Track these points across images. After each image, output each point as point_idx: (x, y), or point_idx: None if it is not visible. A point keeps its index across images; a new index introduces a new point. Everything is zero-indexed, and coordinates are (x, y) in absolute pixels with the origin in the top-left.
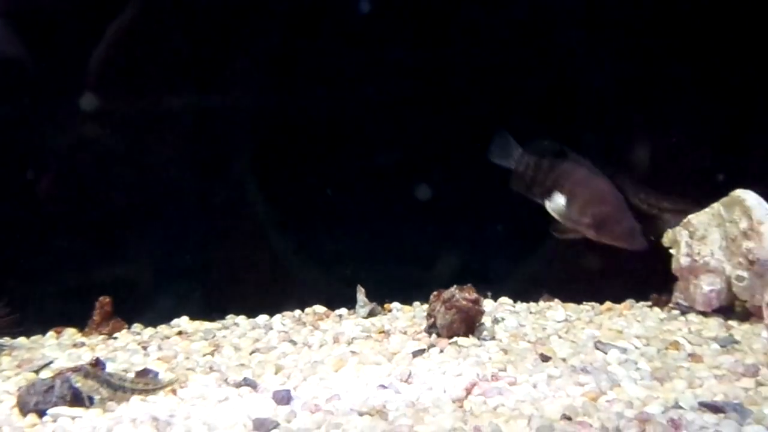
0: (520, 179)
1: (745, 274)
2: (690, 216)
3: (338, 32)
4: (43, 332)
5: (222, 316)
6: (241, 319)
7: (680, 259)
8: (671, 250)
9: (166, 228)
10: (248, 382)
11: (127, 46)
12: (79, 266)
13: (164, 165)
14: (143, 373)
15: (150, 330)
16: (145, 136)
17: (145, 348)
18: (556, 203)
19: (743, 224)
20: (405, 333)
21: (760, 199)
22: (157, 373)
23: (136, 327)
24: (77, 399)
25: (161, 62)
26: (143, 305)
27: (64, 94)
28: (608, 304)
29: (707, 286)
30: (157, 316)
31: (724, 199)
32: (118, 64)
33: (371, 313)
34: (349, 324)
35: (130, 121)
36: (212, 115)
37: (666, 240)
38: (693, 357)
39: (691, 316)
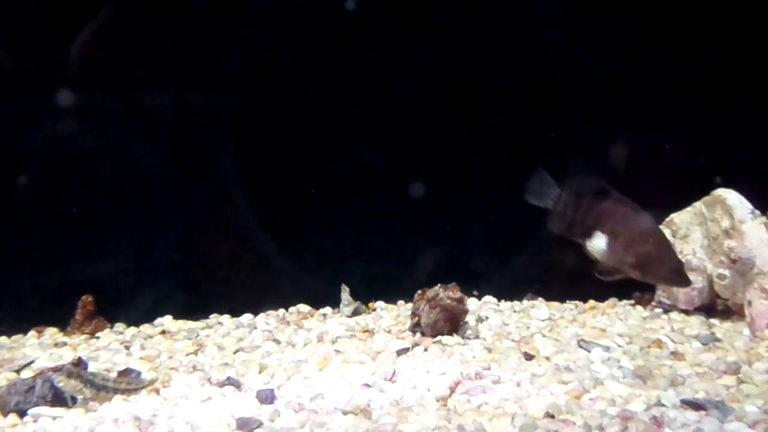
0: (558, 220)
1: (726, 272)
2: (672, 215)
3: (322, 31)
4: (24, 332)
5: (206, 315)
6: (225, 318)
7: None
8: None
9: (149, 227)
10: (232, 382)
11: (106, 42)
12: (60, 265)
13: (146, 163)
14: (126, 372)
15: (133, 329)
16: (126, 133)
17: (127, 347)
18: (598, 244)
19: (725, 223)
20: (389, 332)
21: (742, 198)
22: (139, 373)
23: (119, 326)
24: (58, 399)
25: (141, 58)
26: (126, 304)
27: (41, 91)
28: (591, 302)
29: None
30: (140, 316)
31: (706, 198)
32: (98, 61)
33: (355, 312)
34: (333, 323)
35: (109, 118)
36: (195, 113)
37: None
38: (675, 355)
39: (674, 315)
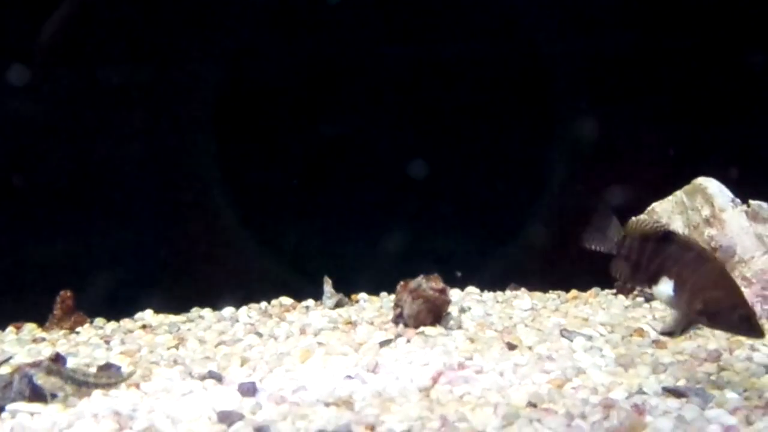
0: (622, 265)
1: None
2: (654, 204)
3: (302, 25)
4: (3, 327)
5: (187, 309)
6: (207, 311)
7: None
8: None
9: (129, 222)
10: (213, 375)
11: (77, 21)
12: (38, 261)
13: (125, 158)
14: (105, 367)
15: (113, 324)
16: (103, 125)
17: (107, 342)
18: (664, 290)
19: (705, 212)
20: (372, 323)
21: (722, 187)
22: (119, 368)
23: (99, 321)
24: (36, 395)
25: (117, 44)
26: (106, 299)
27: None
28: (574, 292)
29: None
30: (120, 310)
31: (687, 187)
32: (69, 40)
33: (338, 305)
34: (315, 315)
35: (89, 121)
36: (174, 108)
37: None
38: (657, 343)
39: (655, 303)
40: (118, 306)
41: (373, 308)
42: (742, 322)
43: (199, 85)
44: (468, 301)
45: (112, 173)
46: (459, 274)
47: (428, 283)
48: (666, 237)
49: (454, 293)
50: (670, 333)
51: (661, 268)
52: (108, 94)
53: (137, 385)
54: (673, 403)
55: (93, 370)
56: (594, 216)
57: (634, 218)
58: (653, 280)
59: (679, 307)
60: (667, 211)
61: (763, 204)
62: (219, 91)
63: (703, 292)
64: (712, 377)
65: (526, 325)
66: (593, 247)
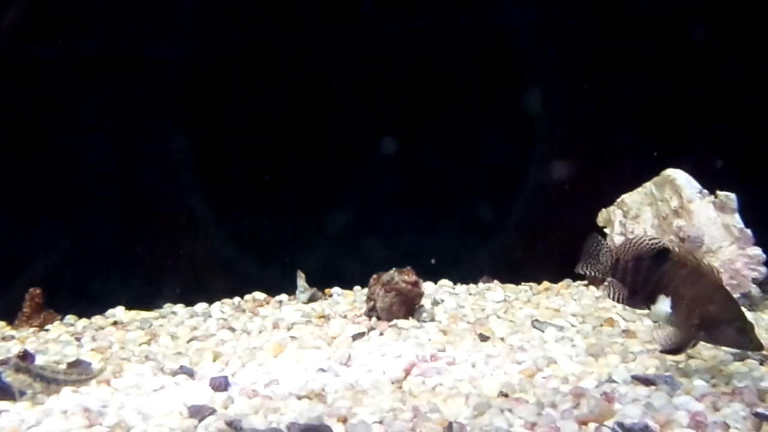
0: (618, 288)
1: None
2: (623, 195)
3: (275, 21)
4: None
5: (159, 305)
6: (179, 307)
7: (614, 238)
8: (605, 230)
9: (101, 219)
10: (185, 370)
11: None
12: (8, 258)
13: (93, 154)
14: (75, 364)
15: (84, 321)
16: (69, 121)
17: (78, 339)
18: (662, 307)
19: (674, 203)
20: (345, 317)
21: (690, 178)
22: (89, 364)
23: (70, 318)
24: (4, 392)
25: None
26: (77, 296)
27: None
28: (546, 284)
29: None
30: (91, 307)
31: (656, 179)
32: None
33: (312, 299)
34: (289, 310)
35: (56, 116)
36: (146, 104)
37: (600, 219)
38: (627, 333)
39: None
40: (89, 303)
41: (347, 302)
42: (740, 336)
43: (166, 79)
44: (441, 293)
45: (81, 170)
46: (433, 261)
47: (401, 276)
48: (660, 255)
49: (427, 286)
50: (671, 351)
51: (657, 286)
52: (74, 89)
53: (108, 382)
54: (642, 390)
55: (62, 367)
56: (585, 243)
57: (626, 238)
58: (651, 299)
59: (678, 324)
60: (637, 203)
61: (730, 195)
62: (186, 86)
63: (699, 308)
64: (681, 365)
65: (499, 317)
66: (589, 273)
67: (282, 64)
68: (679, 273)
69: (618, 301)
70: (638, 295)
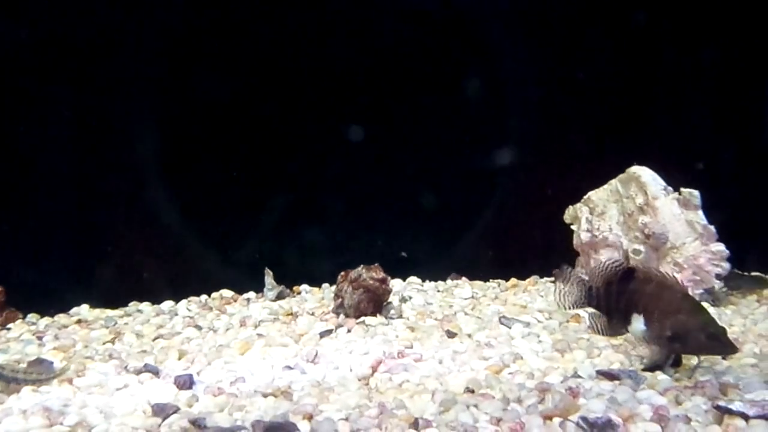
0: (598, 318)
1: (641, 247)
2: (590, 192)
3: (244, 18)
4: None
5: (125, 304)
6: (145, 305)
7: (581, 234)
8: (572, 227)
9: (65, 216)
10: (149, 369)
11: None
12: None
13: (58, 152)
14: (36, 363)
15: (47, 320)
16: (30, 118)
17: (40, 338)
18: (637, 326)
19: (639, 200)
20: (313, 314)
21: (655, 175)
22: (51, 363)
23: (32, 317)
24: None
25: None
26: (40, 294)
27: None
28: (513, 280)
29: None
30: (55, 306)
31: (621, 176)
32: None
33: (279, 296)
34: (256, 307)
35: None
36: (110, 99)
37: (567, 217)
38: (592, 329)
39: None
40: (53, 301)
41: (315, 299)
42: (712, 341)
43: (136, 79)
44: (409, 290)
45: (45, 167)
46: (404, 254)
47: (369, 273)
48: (627, 275)
49: (396, 283)
50: (652, 369)
51: (629, 306)
52: (34, 83)
53: (70, 381)
54: (606, 385)
55: (23, 366)
56: (557, 279)
57: (593, 266)
58: (627, 321)
59: (653, 339)
60: (603, 200)
61: (694, 192)
62: (157, 86)
63: (669, 319)
64: (645, 360)
65: (466, 314)
66: (567, 306)
67: (250, 62)
68: (646, 289)
69: (602, 334)
70: (614, 319)
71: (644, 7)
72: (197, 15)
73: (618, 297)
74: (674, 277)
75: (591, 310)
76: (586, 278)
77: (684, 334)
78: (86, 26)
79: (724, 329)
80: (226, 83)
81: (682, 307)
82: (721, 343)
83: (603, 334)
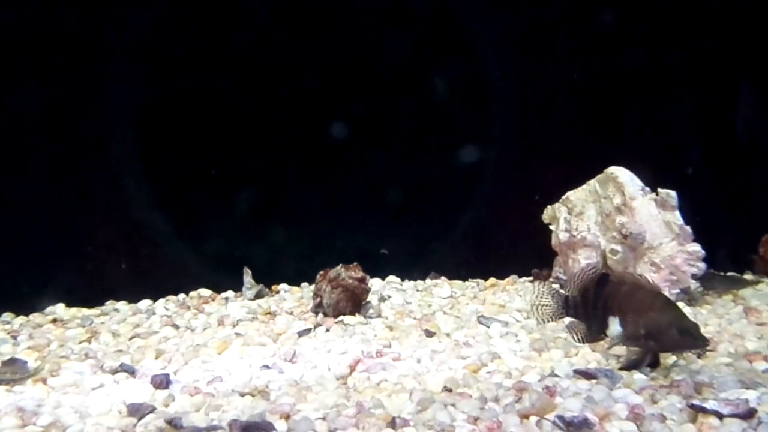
0: (577, 329)
1: (618, 247)
2: (568, 193)
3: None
4: None
5: (101, 303)
6: (122, 304)
7: (559, 234)
8: (551, 226)
9: (40, 214)
10: (125, 368)
11: None
12: None
13: (33, 148)
14: (10, 362)
15: (22, 319)
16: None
17: (14, 337)
18: (614, 329)
19: (617, 200)
20: (291, 313)
21: (632, 176)
22: (26, 362)
23: (7, 316)
24: None
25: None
26: (15, 293)
27: None
28: (492, 280)
29: (584, 260)
30: (30, 305)
31: (599, 176)
32: None
33: (258, 295)
34: (235, 306)
35: None
36: (83, 97)
37: (546, 217)
38: (573, 338)
39: None
40: (28, 300)
41: (294, 298)
42: (684, 336)
43: (111, 75)
44: (388, 289)
45: (18, 162)
46: (384, 251)
47: (348, 272)
48: (601, 280)
49: (375, 282)
50: (629, 368)
51: (605, 310)
52: (10, 83)
53: (44, 380)
54: (583, 384)
55: None
56: (535, 296)
57: (569, 276)
58: (605, 325)
59: (629, 339)
60: (581, 200)
61: (671, 192)
62: (132, 82)
63: (642, 317)
64: (622, 359)
65: (445, 313)
66: (545, 320)
67: (229, 61)
68: (620, 291)
69: (582, 342)
70: (593, 325)
71: (620, 7)
72: (171, 10)
73: (594, 303)
74: (646, 278)
75: (569, 319)
76: (562, 291)
77: (657, 332)
78: (62, 19)
79: (696, 324)
80: (203, 81)
81: (655, 305)
82: (693, 338)
83: (584, 342)
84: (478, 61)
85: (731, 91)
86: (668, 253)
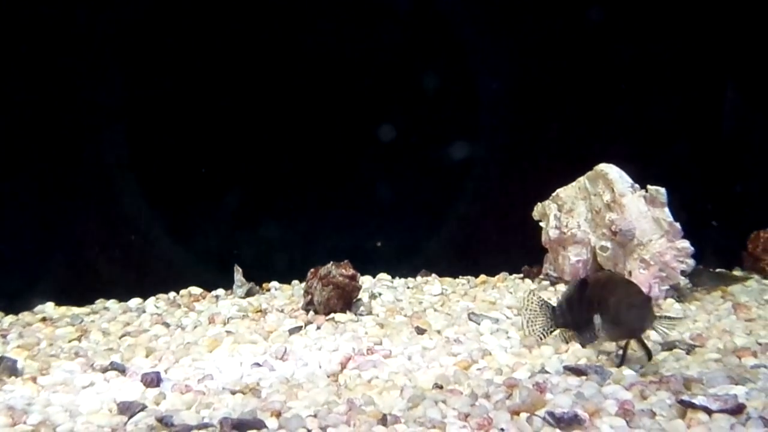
0: (567, 332)
1: (608, 244)
2: (558, 190)
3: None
4: None
5: (91, 301)
6: (112, 303)
7: (549, 231)
8: (541, 223)
9: (29, 212)
10: (116, 366)
11: None
12: None
13: (24, 145)
14: None
15: (11, 317)
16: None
17: (4, 336)
18: (597, 325)
19: (606, 197)
20: (282, 311)
21: (622, 173)
22: (15, 361)
23: None
24: None
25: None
26: (3, 292)
27: None
28: (483, 277)
29: (574, 257)
30: (19, 303)
31: (589, 173)
32: None
33: (249, 293)
34: (225, 304)
35: None
36: (72, 95)
37: (536, 213)
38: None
39: (560, 286)
40: (17, 299)
41: (285, 296)
42: (629, 309)
43: (99, 73)
44: (379, 287)
45: (10, 163)
46: (378, 243)
47: (338, 270)
48: (582, 284)
49: (366, 279)
50: (620, 364)
51: (589, 311)
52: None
53: (34, 379)
54: (573, 380)
55: None
56: (525, 312)
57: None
58: (592, 325)
59: (609, 332)
60: (571, 197)
61: (660, 189)
62: (120, 80)
63: (608, 300)
64: (612, 355)
65: (436, 310)
66: (536, 332)
67: (221, 59)
68: (597, 288)
69: (583, 345)
70: (582, 329)
71: (609, 4)
72: (163, 5)
73: (579, 307)
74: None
75: (558, 330)
76: (550, 302)
77: (613, 313)
78: (50, 14)
79: (647, 298)
80: (193, 78)
81: (617, 291)
82: (640, 312)
83: (582, 345)
84: (468, 59)
85: (719, 88)
86: (657, 250)
